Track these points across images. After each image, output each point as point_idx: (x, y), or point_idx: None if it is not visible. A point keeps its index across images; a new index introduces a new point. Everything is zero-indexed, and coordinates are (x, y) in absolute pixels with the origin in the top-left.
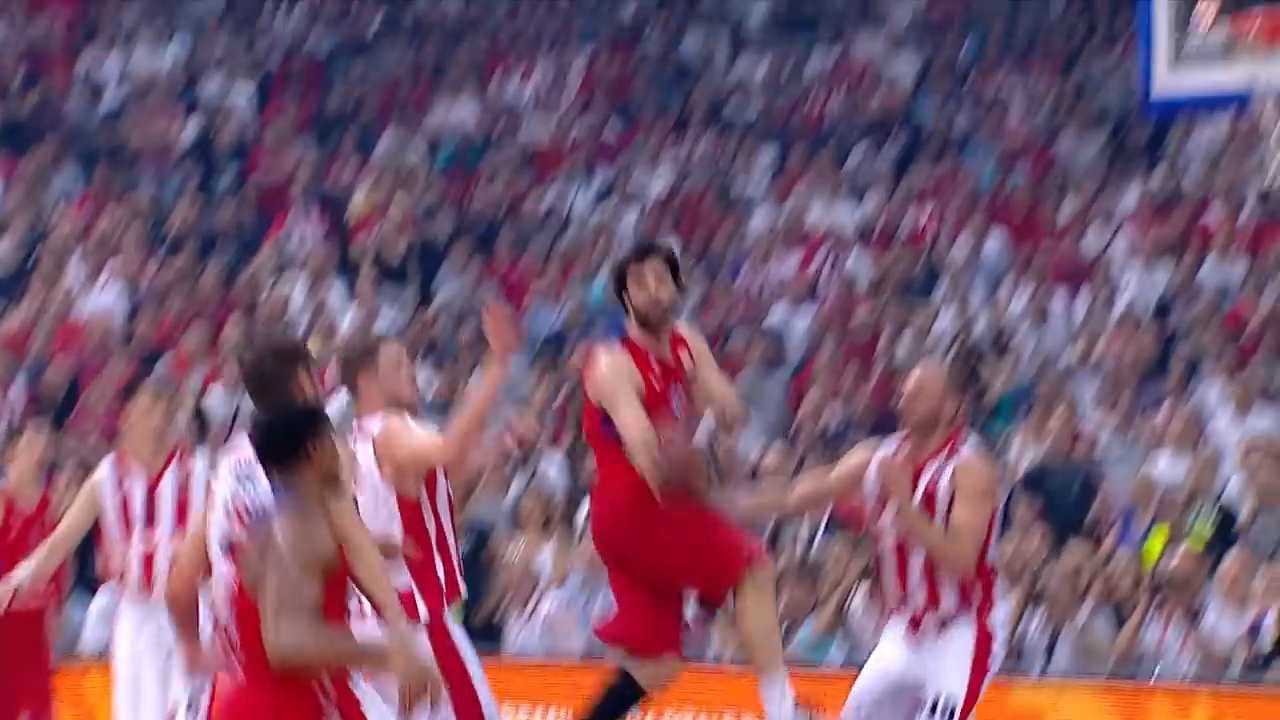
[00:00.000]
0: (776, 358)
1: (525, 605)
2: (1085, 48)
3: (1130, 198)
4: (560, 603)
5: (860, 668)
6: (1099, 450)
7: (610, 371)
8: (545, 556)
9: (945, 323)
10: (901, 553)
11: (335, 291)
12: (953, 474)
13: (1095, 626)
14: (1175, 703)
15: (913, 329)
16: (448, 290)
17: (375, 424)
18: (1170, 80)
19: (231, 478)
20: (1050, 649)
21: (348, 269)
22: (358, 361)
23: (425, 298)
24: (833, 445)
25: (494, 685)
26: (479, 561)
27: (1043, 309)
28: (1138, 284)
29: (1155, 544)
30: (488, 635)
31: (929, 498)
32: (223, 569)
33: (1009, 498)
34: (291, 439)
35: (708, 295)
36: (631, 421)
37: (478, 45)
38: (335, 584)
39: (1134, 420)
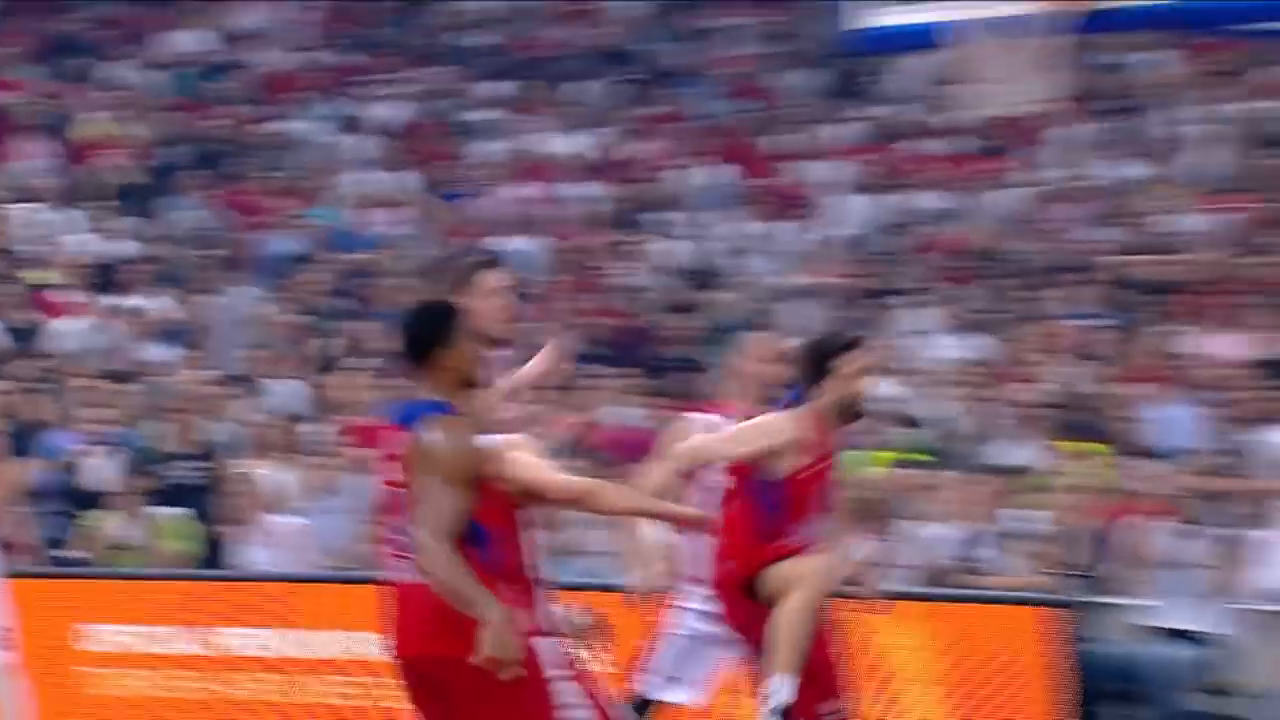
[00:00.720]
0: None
1: (256, 525)
2: None
3: (842, 131)
4: (292, 523)
5: None
6: None
7: None
8: (277, 478)
9: (669, 248)
10: None
11: (66, 219)
12: None
13: None
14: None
15: (637, 256)
16: (180, 216)
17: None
18: (873, 17)
19: None
20: None
21: (79, 196)
22: None
23: (157, 223)
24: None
25: (226, 605)
26: (209, 482)
27: (764, 235)
28: (853, 213)
29: (867, 462)
30: (219, 555)
31: None
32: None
33: None
34: (424, 334)
35: (440, 222)
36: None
37: None
38: (495, 510)
39: None
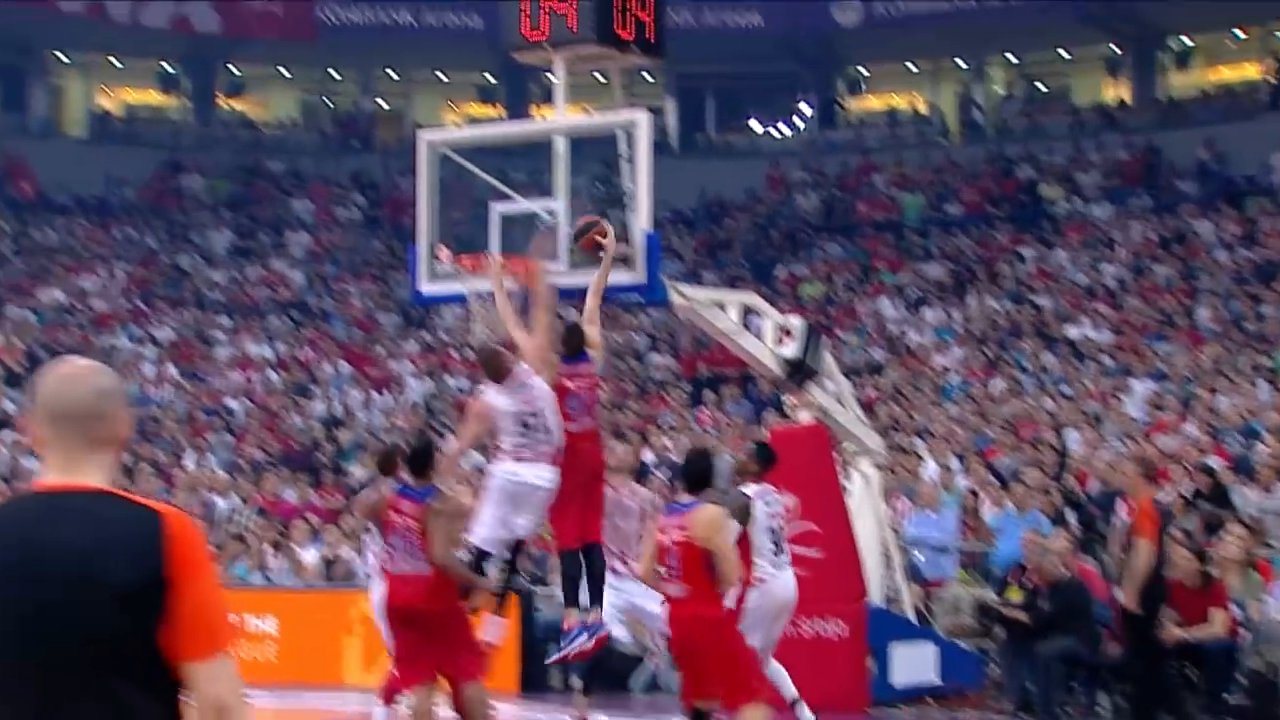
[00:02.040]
0: (229, 426)
1: None
2: (390, 268)
3: (412, 345)
4: None
5: None
6: None
7: None
8: None
9: (318, 407)
10: None
11: None
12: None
13: None
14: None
15: (301, 410)
16: None
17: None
18: (428, 286)
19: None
20: None
21: None
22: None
23: None
24: (257, 471)
25: None
26: None
27: (368, 401)
28: (417, 389)
29: None
30: None
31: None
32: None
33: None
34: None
35: None
36: None
37: None
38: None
39: None
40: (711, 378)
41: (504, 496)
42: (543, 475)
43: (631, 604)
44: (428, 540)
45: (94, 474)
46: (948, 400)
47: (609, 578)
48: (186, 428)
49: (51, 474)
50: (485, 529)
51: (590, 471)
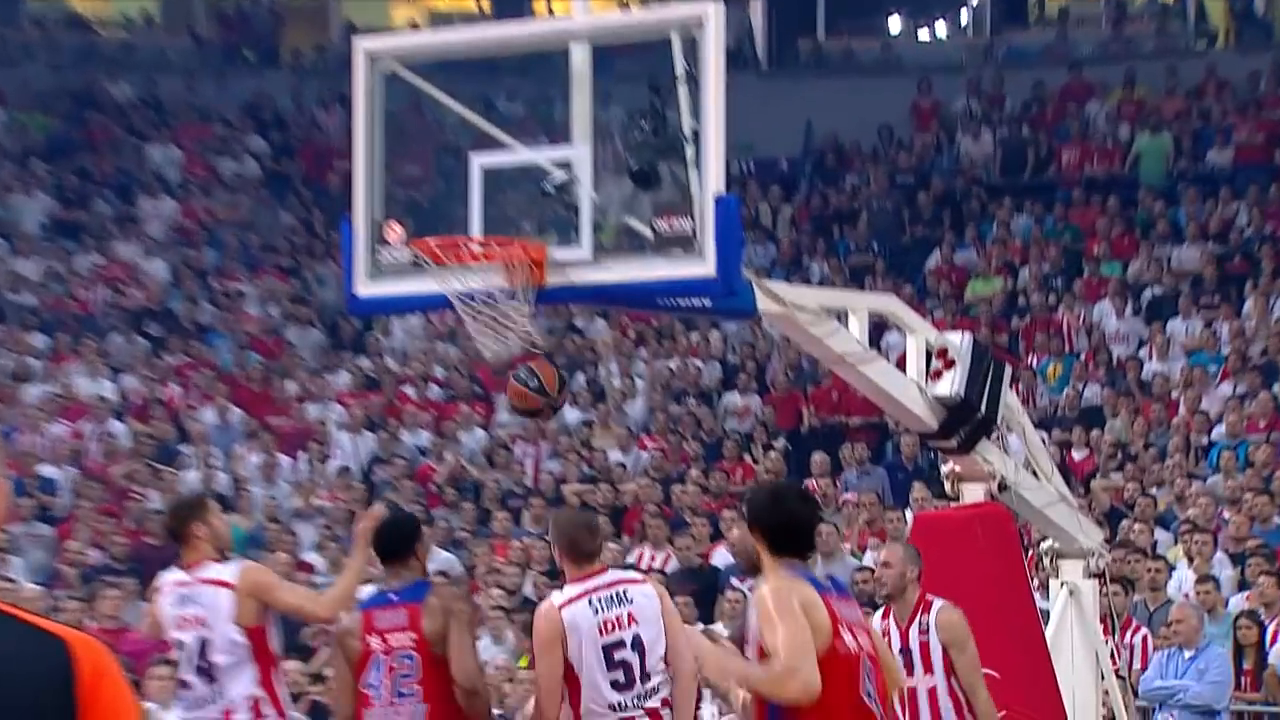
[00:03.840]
0: (45, 510)
1: None
2: (306, 258)
3: (342, 378)
4: None
5: None
6: (316, 581)
7: None
8: None
9: (191, 477)
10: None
11: None
12: (935, 625)
13: None
14: None
15: (163, 484)
16: None
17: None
18: (369, 287)
19: None
20: None
21: None
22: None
23: None
24: (90, 583)
25: None
26: None
27: (271, 467)
28: (349, 448)
29: None
30: None
31: (924, 652)
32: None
33: None
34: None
35: None
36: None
37: None
38: None
39: (342, 558)
40: (823, 430)
41: None
42: None
43: None
44: (431, 663)
45: None
46: (1211, 468)
47: None
48: None
49: None
50: None
51: None
